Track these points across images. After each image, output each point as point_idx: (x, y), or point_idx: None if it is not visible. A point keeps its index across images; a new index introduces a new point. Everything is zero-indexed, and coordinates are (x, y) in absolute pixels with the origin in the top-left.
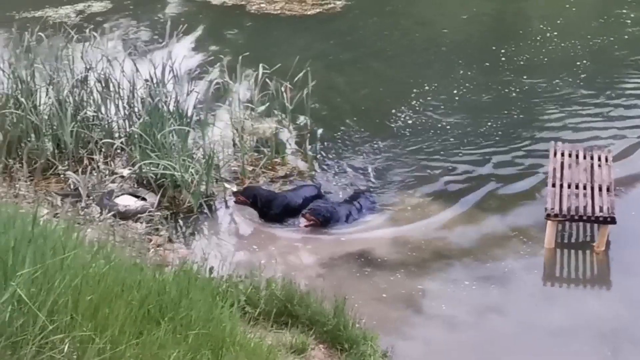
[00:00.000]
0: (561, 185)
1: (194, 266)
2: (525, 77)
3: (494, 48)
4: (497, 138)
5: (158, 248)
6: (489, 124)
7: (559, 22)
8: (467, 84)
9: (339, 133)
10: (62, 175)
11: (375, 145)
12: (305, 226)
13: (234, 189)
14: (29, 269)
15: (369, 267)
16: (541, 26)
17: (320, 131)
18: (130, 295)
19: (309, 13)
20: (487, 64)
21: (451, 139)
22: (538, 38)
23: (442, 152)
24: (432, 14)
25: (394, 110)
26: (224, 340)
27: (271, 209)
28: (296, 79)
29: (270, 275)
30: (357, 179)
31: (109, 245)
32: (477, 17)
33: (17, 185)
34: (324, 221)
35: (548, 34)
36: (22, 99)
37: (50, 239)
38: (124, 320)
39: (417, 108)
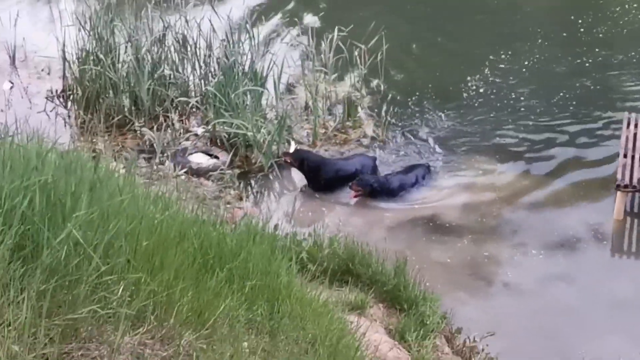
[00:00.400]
0: (633, 157)
1: (259, 221)
2: (602, 48)
3: (572, 17)
4: (570, 108)
5: (228, 205)
6: (562, 94)
7: None
8: (543, 54)
9: (411, 99)
10: (138, 132)
11: (446, 113)
12: (354, 197)
13: (293, 147)
14: (85, 211)
15: (436, 232)
16: None
17: (392, 96)
18: (188, 243)
19: None
20: (565, 34)
21: (522, 109)
22: (617, 9)
23: (512, 121)
24: None
25: (468, 78)
26: (280, 292)
27: (320, 175)
28: (370, 43)
29: (334, 235)
30: (425, 147)
31: (174, 198)
32: None
33: (94, 140)
34: (371, 192)
35: (627, 5)
36: (102, 56)
37: (110, 185)
38: (179, 267)
39: (490, 78)
